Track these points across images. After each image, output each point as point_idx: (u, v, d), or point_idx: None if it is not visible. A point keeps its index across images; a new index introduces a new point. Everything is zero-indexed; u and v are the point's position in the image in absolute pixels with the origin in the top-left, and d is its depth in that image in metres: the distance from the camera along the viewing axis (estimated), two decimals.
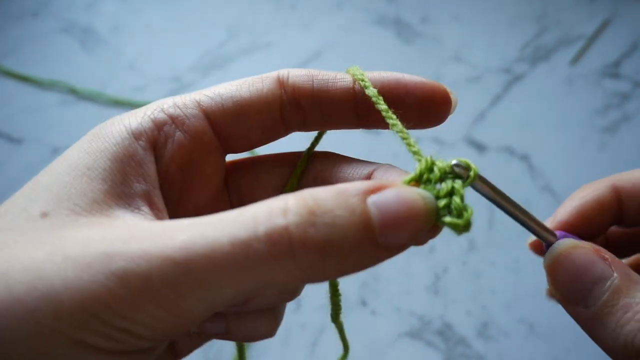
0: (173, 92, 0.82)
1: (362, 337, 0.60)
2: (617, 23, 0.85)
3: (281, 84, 0.25)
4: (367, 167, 0.26)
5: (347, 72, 0.26)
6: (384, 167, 0.25)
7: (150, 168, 0.23)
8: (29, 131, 0.79)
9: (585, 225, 0.28)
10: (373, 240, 0.18)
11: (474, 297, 0.62)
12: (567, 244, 0.24)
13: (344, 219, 0.17)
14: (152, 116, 0.24)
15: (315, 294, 0.65)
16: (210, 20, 0.90)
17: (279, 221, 0.17)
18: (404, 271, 0.64)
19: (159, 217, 0.22)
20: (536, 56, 0.82)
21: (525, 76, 0.81)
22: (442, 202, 0.21)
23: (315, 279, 0.18)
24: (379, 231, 0.18)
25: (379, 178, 0.25)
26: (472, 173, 0.22)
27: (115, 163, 0.22)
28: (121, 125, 0.23)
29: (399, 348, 0.59)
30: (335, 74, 0.25)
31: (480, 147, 0.73)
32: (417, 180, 0.22)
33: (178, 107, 0.24)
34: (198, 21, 0.91)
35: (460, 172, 0.22)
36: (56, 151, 0.76)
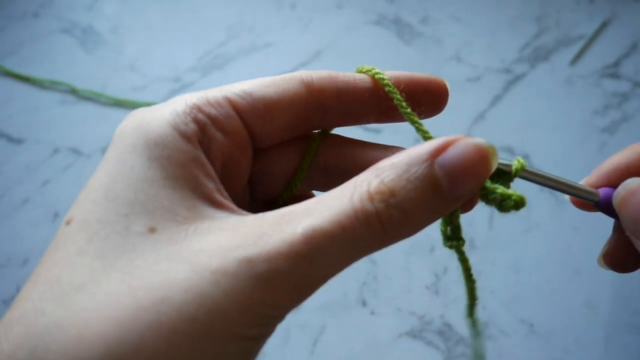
0: (173, 92, 0.82)
1: (362, 337, 0.60)
2: (616, 23, 0.85)
3: (306, 85, 0.26)
4: (380, 152, 0.28)
5: (359, 70, 0.28)
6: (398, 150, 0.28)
7: (210, 167, 0.24)
8: (29, 131, 0.79)
9: (624, 175, 0.29)
10: (443, 197, 0.21)
11: None
12: (635, 181, 0.26)
13: (417, 191, 0.21)
14: (194, 117, 0.24)
15: (315, 294, 0.65)
16: (210, 20, 0.91)
17: (370, 208, 0.21)
18: (404, 271, 0.64)
19: (234, 208, 0.24)
20: (536, 56, 0.82)
21: (525, 76, 0.81)
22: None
23: (400, 239, 0.22)
24: (448, 189, 0.21)
25: None
26: (515, 167, 0.25)
27: (186, 169, 0.23)
28: (170, 128, 0.23)
29: (399, 348, 0.59)
30: (353, 74, 0.27)
31: None
32: None
33: (213, 106, 0.25)
34: (198, 21, 0.91)
35: (504, 169, 0.25)
36: (56, 151, 0.76)
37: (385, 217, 0.21)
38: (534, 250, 0.65)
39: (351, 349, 0.60)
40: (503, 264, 0.64)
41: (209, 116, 0.24)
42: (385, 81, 0.26)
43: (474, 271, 0.65)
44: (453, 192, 0.22)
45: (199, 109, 0.24)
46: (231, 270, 0.20)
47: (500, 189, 0.24)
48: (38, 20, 0.91)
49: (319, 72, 0.27)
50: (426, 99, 0.27)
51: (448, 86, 0.28)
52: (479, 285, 0.68)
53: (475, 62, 0.83)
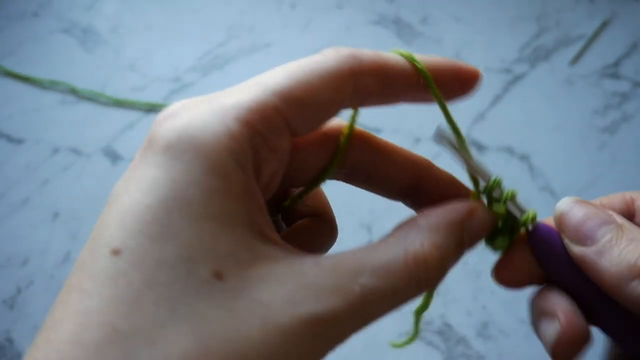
0: (173, 92, 0.82)
1: (362, 337, 0.60)
2: (616, 23, 0.85)
3: (355, 80, 0.24)
4: (409, 167, 0.28)
5: (399, 54, 0.27)
6: (432, 173, 0.28)
7: (261, 197, 0.22)
8: (29, 131, 0.79)
9: None
10: (461, 253, 0.24)
11: (474, 297, 0.62)
12: (573, 198, 0.27)
13: (454, 255, 0.24)
14: (250, 140, 0.21)
15: None
16: (210, 20, 0.91)
17: (423, 276, 0.22)
18: None
19: (282, 242, 0.23)
20: (536, 56, 0.82)
21: (525, 76, 0.81)
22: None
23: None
24: (466, 249, 0.24)
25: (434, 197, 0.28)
26: (528, 220, 0.27)
27: (243, 205, 0.21)
28: (228, 156, 0.21)
29: (399, 348, 0.59)
30: (398, 61, 0.26)
31: (480, 147, 0.73)
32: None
33: (266, 123, 0.22)
34: (198, 21, 0.91)
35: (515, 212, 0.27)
36: (56, 151, 0.76)
37: (433, 281, 0.23)
38: None
39: (351, 349, 0.60)
40: None
41: (263, 137, 0.22)
42: (421, 69, 0.26)
43: (474, 270, 0.66)
44: (467, 250, 0.24)
45: (253, 128, 0.21)
46: (299, 330, 0.20)
47: (499, 242, 0.27)
48: (38, 20, 0.91)
49: (368, 62, 0.25)
50: (455, 86, 0.27)
51: (480, 74, 0.27)
52: (480, 284, 0.69)
53: (475, 62, 0.82)
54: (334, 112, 0.24)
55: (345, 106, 0.25)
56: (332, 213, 0.30)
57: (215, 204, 0.20)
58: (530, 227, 0.27)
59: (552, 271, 0.27)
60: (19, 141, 0.78)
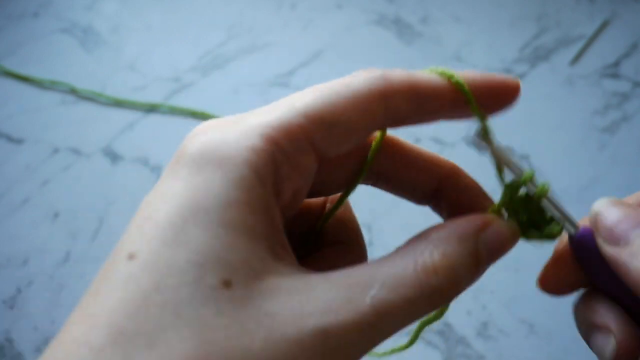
0: (173, 92, 0.82)
1: None
2: (616, 23, 0.85)
3: (385, 101, 0.24)
4: (433, 172, 0.28)
5: (434, 71, 0.26)
6: (456, 179, 0.29)
7: (278, 214, 0.22)
8: (29, 131, 0.79)
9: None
10: (479, 269, 0.24)
11: (474, 297, 0.62)
12: (609, 199, 0.27)
13: (467, 267, 0.23)
14: (272, 156, 0.22)
15: None
16: (210, 20, 0.91)
17: (435, 282, 0.22)
18: None
19: (293, 260, 0.23)
20: (536, 56, 0.82)
21: (525, 76, 0.81)
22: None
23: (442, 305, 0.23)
24: (485, 263, 0.24)
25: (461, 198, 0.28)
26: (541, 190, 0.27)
27: (259, 218, 0.21)
28: (249, 170, 0.21)
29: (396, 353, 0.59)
30: (433, 81, 0.25)
31: (480, 147, 0.73)
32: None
33: (291, 141, 0.22)
34: (198, 21, 0.91)
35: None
36: (56, 151, 0.76)
37: (445, 291, 0.22)
38: (534, 250, 0.65)
39: None
40: (503, 264, 0.64)
41: (285, 154, 0.22)
42: (463, 88, 0.25)
43: None
44: (487, 265, 0.24)
45: (276, 144, 0.22)
46: (306, 342, 0.19)
47: (537, 234, 0.29)
48: (38, 20, 0.91)
49: (399, 84, 0.24)
50: (495, 100, 0.27)
51: (519, 85, 0.27)
52: (479, 284, 0.68)
53: (475, 62, 0.83)
54: (363, 134, 0.24)
55: (377, 127, 0.25)
56: (363, 241, 0.29)
57: (232, 214, 0.20)
58: (570, 230, 0.27)
59: (595, 277, 0.26)
60: (19, 141, 0.78)
